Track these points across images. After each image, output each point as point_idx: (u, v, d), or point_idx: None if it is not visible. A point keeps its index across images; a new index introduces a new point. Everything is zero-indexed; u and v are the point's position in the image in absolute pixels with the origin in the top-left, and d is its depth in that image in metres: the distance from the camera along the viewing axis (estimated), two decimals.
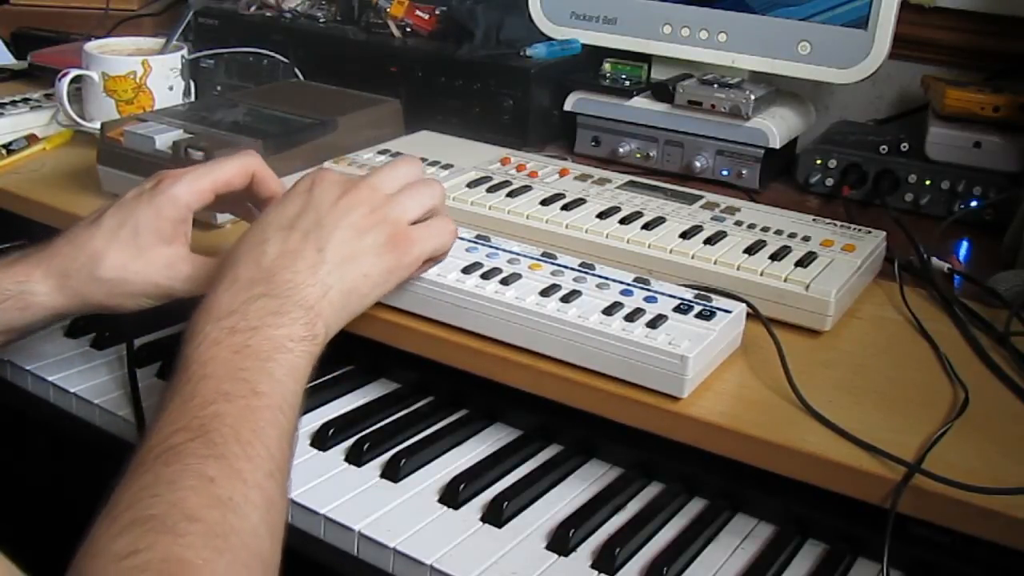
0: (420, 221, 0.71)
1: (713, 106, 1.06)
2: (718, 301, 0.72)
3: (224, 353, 0.58)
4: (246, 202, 0.82)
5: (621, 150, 1.13)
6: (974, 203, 1.01)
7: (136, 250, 0.71)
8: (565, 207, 0.88)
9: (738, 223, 0.86)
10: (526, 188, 0.92)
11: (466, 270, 0.75)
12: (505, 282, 0.73)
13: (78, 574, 0.47)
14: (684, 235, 0.83)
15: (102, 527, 0.48)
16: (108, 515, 0.49)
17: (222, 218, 0.89)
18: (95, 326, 0.92)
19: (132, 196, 0.74)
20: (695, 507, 0.70)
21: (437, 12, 1.25)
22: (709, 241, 0.82)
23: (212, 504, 0.50)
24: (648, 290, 0.73)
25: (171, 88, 1.13)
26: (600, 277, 0.75)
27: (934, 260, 0.87)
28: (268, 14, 1.33)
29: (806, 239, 0.83)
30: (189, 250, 0.73)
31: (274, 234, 0.65)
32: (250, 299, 0.61)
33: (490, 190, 0.91)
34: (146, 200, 0.72)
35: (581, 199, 0.89)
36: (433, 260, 0.73)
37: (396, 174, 0.72)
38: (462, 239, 0.79)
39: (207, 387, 0.56)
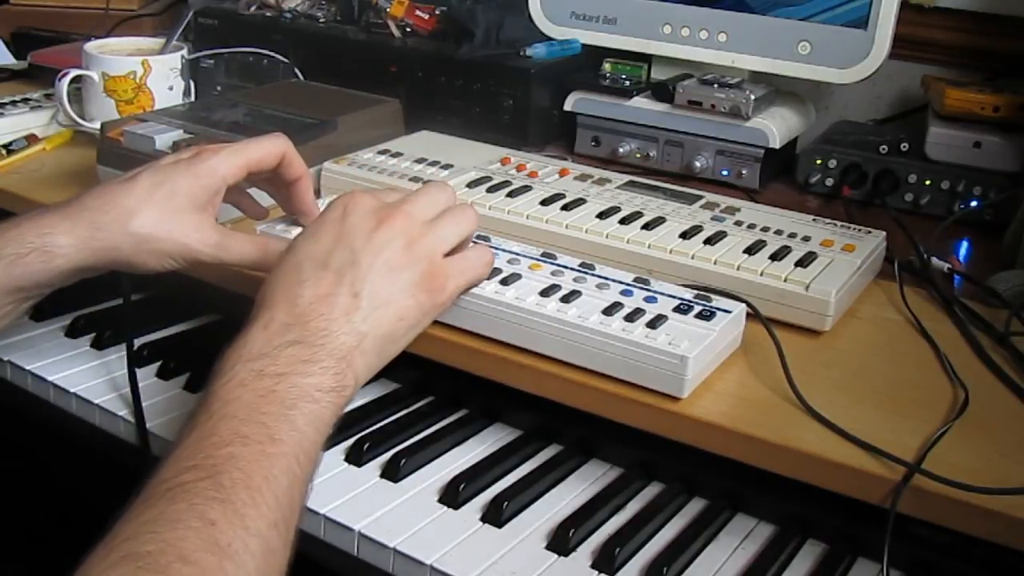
0: (455, 250, 0.70)
1: (713, 106, 1.06)
2: (718, 301, 0.72)
3: (248, 396, 0.57)
4: (248, 192, 0.84)
5: (621, 150, 1.13)
6: (974, 203, 1.01)
7: (170, 210, 0.72)
8: (565, 207, 0.88)
9: (738, 223, 0.86)
10: (526, 188, 0.92)
11: None
12: (505, 282, 0.73)
13: None
14: (684, 235, 0.83)
15: (98, 555, 0.48)
16: (107, 544, 0.48)
17: (223, 218, 0.89)
18: (95, 326, 0.92)
19: (169, 162, 0.75)
20: (695, 507, 0.70)
21: (437, 12, 1.25)
22: (709, 241, 0.82)
23: (209, 548, 0.49)
24: (648, 290, 0.73)
25: (171, 88, 1.13)
26: (600, 277, 0.75)
27: (934, 260, 0.87)
28: (268, 14, 1.33)
29: (806, 239, 0.83)
30: (216, 221, 0.75)
31: (310, 273, 0.64)
32: (282, 345, 0.60)
33: (490, 190, 0.91)
34: (184, 166, 0.74)
35: (581, 199, 0.89)
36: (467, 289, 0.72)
37: (431, 200, 0.70)
38: None
39: (226, 427, 0.55)
